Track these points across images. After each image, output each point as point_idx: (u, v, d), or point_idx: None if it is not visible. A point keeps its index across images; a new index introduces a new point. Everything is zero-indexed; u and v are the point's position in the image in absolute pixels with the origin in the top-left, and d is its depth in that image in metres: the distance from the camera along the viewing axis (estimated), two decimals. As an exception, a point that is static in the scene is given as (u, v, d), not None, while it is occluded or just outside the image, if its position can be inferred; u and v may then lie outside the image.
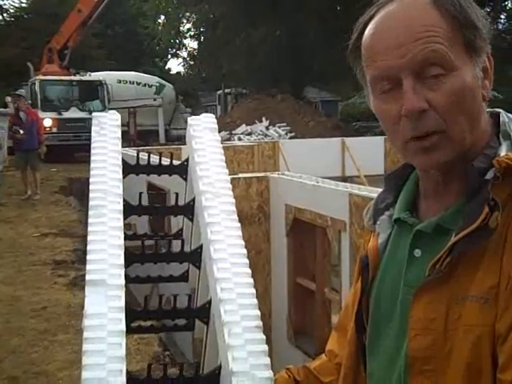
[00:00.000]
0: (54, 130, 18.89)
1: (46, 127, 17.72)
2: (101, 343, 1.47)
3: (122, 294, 1.59)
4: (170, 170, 2.30)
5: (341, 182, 6.01)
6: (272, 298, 5.86)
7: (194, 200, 1.93)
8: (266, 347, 1.51)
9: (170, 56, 41.70)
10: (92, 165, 1.98)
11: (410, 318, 1.10)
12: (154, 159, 2.36)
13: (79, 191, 11.76)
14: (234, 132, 20.95)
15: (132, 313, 1.68)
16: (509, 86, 21.65)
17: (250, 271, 1.66)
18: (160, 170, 2.33)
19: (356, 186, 4.91)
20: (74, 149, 17.85)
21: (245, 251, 1.71)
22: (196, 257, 1.84)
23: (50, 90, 20.06)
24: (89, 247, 1.73)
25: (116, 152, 2.03)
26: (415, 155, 1.10)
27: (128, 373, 1.52)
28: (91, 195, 1.89)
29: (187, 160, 2.07)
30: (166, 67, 45.55)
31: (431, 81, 1.05)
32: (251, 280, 1.65)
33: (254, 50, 25.62)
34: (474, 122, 1.09)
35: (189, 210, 1.97)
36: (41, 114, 15.96)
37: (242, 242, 1.71)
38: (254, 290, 1.62)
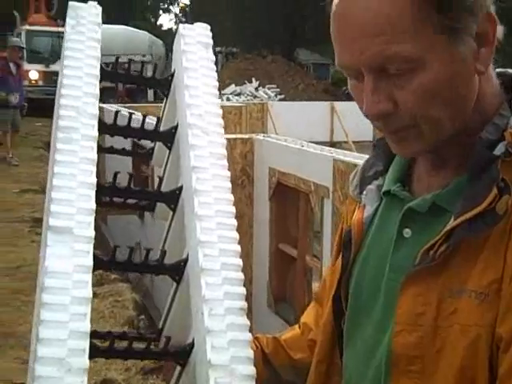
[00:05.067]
0: (40, 83, 18.45)
1: (31, 80, 17.32)
2: (63, 311, 1.26)
3: (91, 248, 1.35)
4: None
5: (329, 146, 5.84)
6: (253, 263, 5.74)
7: (176, 128, 1.68)
8: (249, 335, 1.32)
9: (161, 11, 41.02)
10: (64, 71, 1.61)
11: (396, 309, 0.95)
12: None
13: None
14: (222, 92, 20.67)
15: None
16: None
17: (237, 236, 1.45)
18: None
19: (341, 152, 4.74)
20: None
21: (233, 209, 1.48)
22: (173, 198, 1.61)
23: (36, 41, 19.52)
24: (54, 181, 1.40)
25: (95, 59, 1.68)
26: (391, 144, 0.97)
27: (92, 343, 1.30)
28: (61, 112, 1.53)
29: (172, 75, 1.76)
30: (158, 23, 44.85)
31: (396, 78, 0.89)
32: (238, 247, 1.43)
33: (245, 8, 25.19)
34: (459, 108, 0.92)
35: (169, 137, 1.71)
36: (26, 66, 15.55)
37: (231, 197, 1.49)
38: (240, 261, 1.41)
